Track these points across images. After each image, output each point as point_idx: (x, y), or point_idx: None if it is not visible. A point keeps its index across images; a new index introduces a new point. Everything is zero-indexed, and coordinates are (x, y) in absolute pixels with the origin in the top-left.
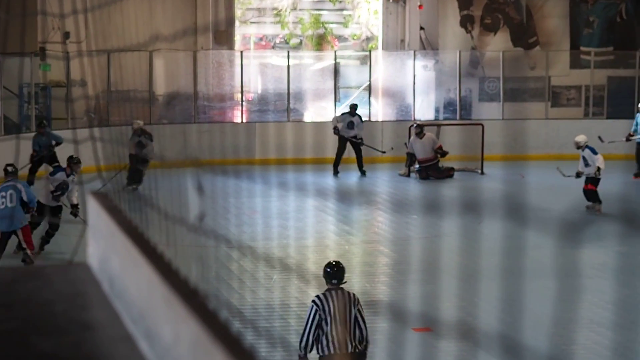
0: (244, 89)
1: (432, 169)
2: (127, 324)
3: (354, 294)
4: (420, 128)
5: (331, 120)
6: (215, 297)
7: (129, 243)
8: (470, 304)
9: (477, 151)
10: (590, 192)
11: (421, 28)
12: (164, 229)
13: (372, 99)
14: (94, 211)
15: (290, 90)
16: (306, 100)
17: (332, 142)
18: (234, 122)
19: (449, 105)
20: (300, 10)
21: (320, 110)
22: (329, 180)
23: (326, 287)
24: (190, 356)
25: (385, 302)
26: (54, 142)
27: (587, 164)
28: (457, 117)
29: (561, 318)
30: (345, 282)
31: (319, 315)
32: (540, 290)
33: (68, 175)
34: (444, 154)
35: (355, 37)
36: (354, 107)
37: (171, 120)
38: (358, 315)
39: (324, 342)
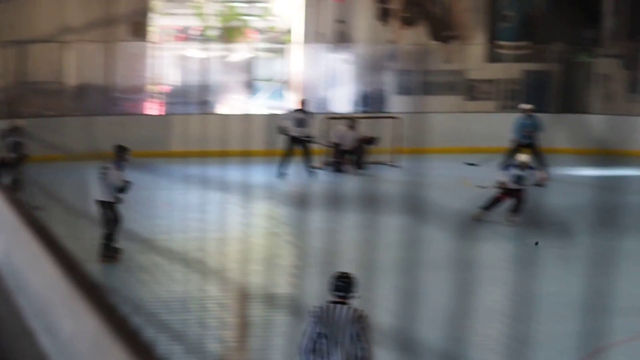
0: (159, 82)
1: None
2: (29, 318)
3: (357, 311)
4: (353, 121)
5: (281, 117)
6: (115, 292)
7: (32, 237)
8: (365, 300)
9: (392, 144)
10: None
11: (340, 21)
12: (68, 222)
13: (287, 91)
14: None
15: (206, 83)
16: (221, 93)
17: (257, 134)
18: (148, 115)
19: (365, 98)
20: (217, 2)
21: (236, 103)
22: (241, 173)
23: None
24: (90, 350)
25: (283, 296)
26: None
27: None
28: (373, 110)
29: (462, 309)
30: (356, 296)
31: (314, 327)
32: (438, 283)
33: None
34: (371, 140)
35: (272, 30)
36: (303, 102)
37: (82, 112)
38: (359, 334)
39: (318, 359)
